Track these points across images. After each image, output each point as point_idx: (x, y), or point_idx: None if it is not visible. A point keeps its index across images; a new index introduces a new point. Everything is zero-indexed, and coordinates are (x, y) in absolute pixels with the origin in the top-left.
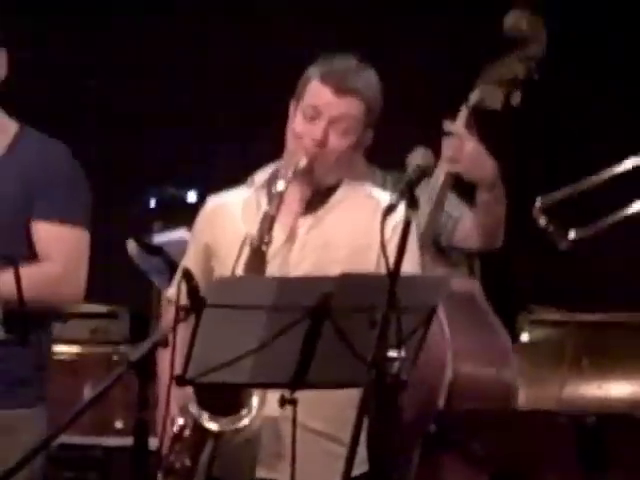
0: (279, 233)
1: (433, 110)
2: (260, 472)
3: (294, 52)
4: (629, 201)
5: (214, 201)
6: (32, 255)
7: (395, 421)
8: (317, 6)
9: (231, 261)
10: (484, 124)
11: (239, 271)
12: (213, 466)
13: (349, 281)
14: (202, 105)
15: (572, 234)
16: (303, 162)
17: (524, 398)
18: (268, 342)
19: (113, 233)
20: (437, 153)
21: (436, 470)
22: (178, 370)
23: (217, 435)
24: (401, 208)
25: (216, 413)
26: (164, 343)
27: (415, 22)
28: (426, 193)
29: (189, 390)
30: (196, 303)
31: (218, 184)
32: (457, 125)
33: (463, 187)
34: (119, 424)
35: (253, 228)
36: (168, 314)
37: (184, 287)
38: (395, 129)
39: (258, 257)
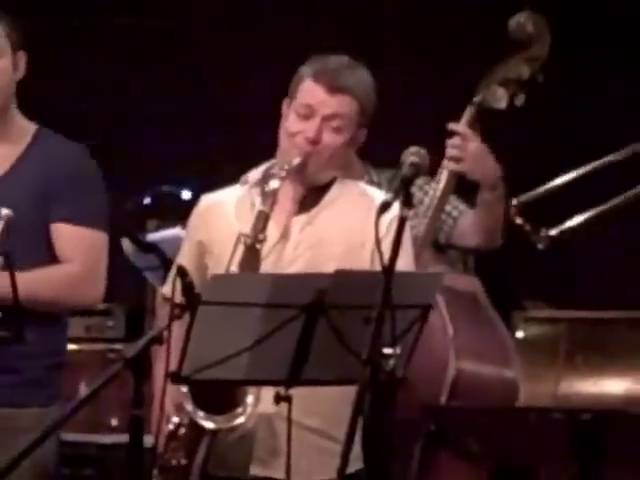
0: (273, 231)
1: (439, 110)
2: (255, 469)
3: (291, 50)
4: (605, 198)
5: (208, 199)
6: (51, 257)
7: (390, 418)
8: (317, 6)
9: (225, 259)
10: (485, 124)
11: (233, 269)
12: (208, 464)
13: (343, 278)
14: (197, 103)
15: (551, 232)
16: (296, 160)
17: (521, 395)
18: (263, 339)
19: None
20: (441, 153)
21: (435, 467)
22: (173, 367)
23: (212, 433)
24: (395, 206)
25: (211, 411)
26: (159, 340)
27: (419, 22)
28: (429, 192)
29: (184, 388)
30: (191, 300)
31: (212, 182)
32: (461, 125)
33: (463, 187)
34: (114, 421)
35: (247, 226)
36: (163, 311)
37: (179, 284)
38: (401, 129)
39: (252, 255)
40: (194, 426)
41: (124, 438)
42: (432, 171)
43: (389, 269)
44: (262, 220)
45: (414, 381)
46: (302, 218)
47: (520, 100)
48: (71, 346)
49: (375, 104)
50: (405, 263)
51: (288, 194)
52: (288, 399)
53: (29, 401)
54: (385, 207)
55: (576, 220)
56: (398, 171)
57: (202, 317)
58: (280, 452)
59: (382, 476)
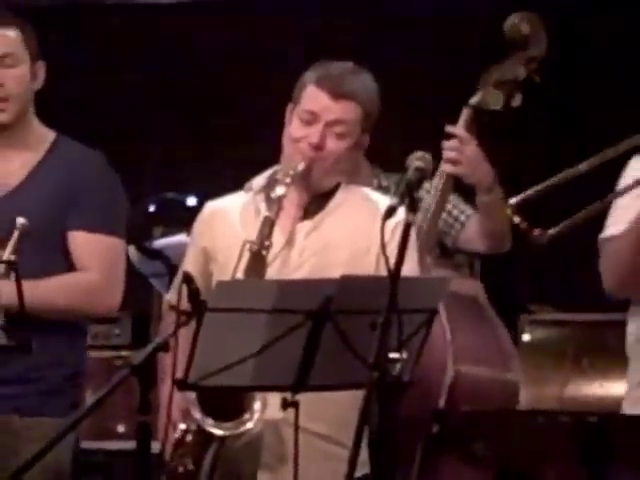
0: (278, 237)
1: (435, 113)
2: (262, 476)
3: (294, 56)
4: (602, 196)
5: (212, 206)
6: (69, 264)
7: (395, 422)
8: (318, 12)
9: (230, 266)
10: (484, 124)
11: (239, 275)
12: (216, 470)
13: (349, 283)
14: (202, 110)
15: (550, 231)
16: (301, 166)
17: (526, 398)
18: (269, 345)
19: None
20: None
21: (439, 471)
22: (180, 374)
23: (220, 439)
24: (400, 210)
25: (219, 418)
26: (165, 347)
27: (416, 23)
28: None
29: (190, 395)
30: (197, 307)
31: (218, 189)
32: (458, 127)
33: (469, 191)
34: (121, 428)
35: (252, 233)
36: (168, 318)
37: (185, 291)
38: (396, 131)
39: (258, 261)
40: (201, 433)
41: (131, 445)
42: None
43: (395, 274)
44: (268, 226)
45: (413, 385)
46: (307, 224)
47: (517, 101)
48: None
49: (379, 109)
50: (410, 268)
51: (293, 200)
52: (295, 405)
53: (47, 410)
54: (390, 212)
55: (574, 221)
56: (403, 176)
57: (208, 324)
58: (287, 458)
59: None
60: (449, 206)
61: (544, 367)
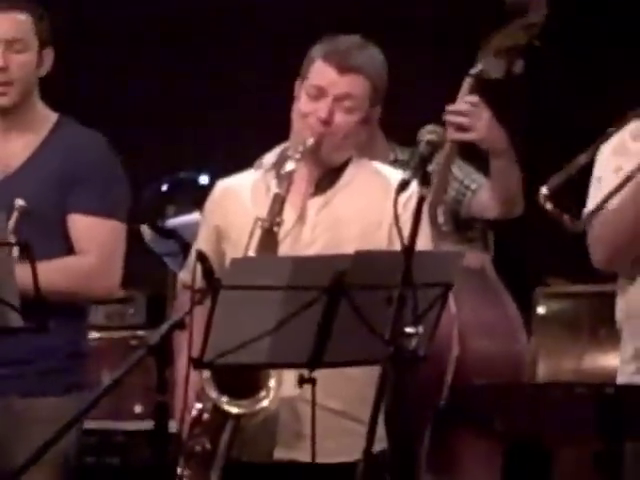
0: (290, 214)
1: (436, 85)
2: (279, 453)
3: (303, 34)
4: None
5: (223, 184)
6: (68, 247)
7: (410, 397)
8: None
9: (243, 243)
10: (485, 93)
11: (251, 253)
12: (232, 449)
13: (364, 258)
14: (213, 88)
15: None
16: (310, 141)
17: (542, 371)
18: (285, 322)
19: (127, 218)
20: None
21: (453, 445)
22: (195, 353)
23: (236, 418)
24: (412, 184)
25: (234, 396)
26: (181, 326)
27: None
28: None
29: (206, 374)
30: (211, 285)
31: (230, 166)
32: (472, 96)
33: (478, 158)
34: (138, 408)
35: (263, 210)
36: (182, 297)
37: (199, 269)
38: (399, 105)
39: (270, 238)
40: (217, 411)
41: (148, 425)
42: None
43: (409, 248)
44: (278, 203)
45: None
46: (318, 200)
47: (518, 67)
48: (92, 334)
49: (387, 82)
50: (424, 242)
51: (303, 176)
52: (312, 381)
53: (46, 391)
54: (403, 186)
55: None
56: (415, 149)
57: (223, 301)
58: (304, 435)
59: (406, 455)
60: (461, 175)
61: (560, 339)
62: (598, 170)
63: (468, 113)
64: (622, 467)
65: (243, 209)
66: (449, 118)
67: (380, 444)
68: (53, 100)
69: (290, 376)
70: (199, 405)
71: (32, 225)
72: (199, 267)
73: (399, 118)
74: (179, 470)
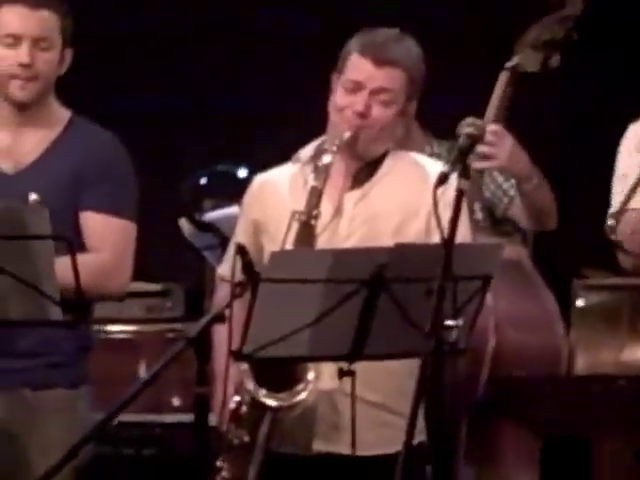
0: (327, 207)
1: (474, 78)
2: (318, 445)
3: (337, 32)
4: None
5: (261, 177)
6: (80, 243)
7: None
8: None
9: (280, 237)
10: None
11: (288, 246)
12: (271, 441)
13: (403, 251)
14: (251, 82)
15: None
16: (347, 134)
17: (582, 363)
18: (325, 315)
19: (165, 212)
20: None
21: (491, 437)
22: (235, 346)
23: (274, 410)
24: (452, 179)
25: (273, 389)
26: (221, 319)
27: None
28: None
29: (244, 367)
30: (251, 278)
31: (268, 160)
32: (492, 123)
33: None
34: (176, 401)
35: (300, 204)
36: (220, 291)
37: (238, 263)
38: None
39: (307, 232)
40: (256, 404)
41: (186, 417)
42: None
43: (449, 241)
44: (315, 196)
45: None
46: (355, 193)
47: (555, 61)
48: (130, 327)
49: (423, 74)
50: (463, 234)
51: (341, 169)
52: (352, 374)
53: (59, 382)
54: (443, 179)
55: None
56: (455, 143)
57: (263, 295)
58: (342, 427)
59: (446, 447)
60: (500, 179)
61: (600, 332)
62: (622, 167)
63: (491, 142)
64: None
65: (281, 202)
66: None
67: (419, 436)
68: (90, 97)
69: (328, 369)
70: (237, 398)
71: None
72: (239, 260)
73: (435, 111)
74: (218, 463)
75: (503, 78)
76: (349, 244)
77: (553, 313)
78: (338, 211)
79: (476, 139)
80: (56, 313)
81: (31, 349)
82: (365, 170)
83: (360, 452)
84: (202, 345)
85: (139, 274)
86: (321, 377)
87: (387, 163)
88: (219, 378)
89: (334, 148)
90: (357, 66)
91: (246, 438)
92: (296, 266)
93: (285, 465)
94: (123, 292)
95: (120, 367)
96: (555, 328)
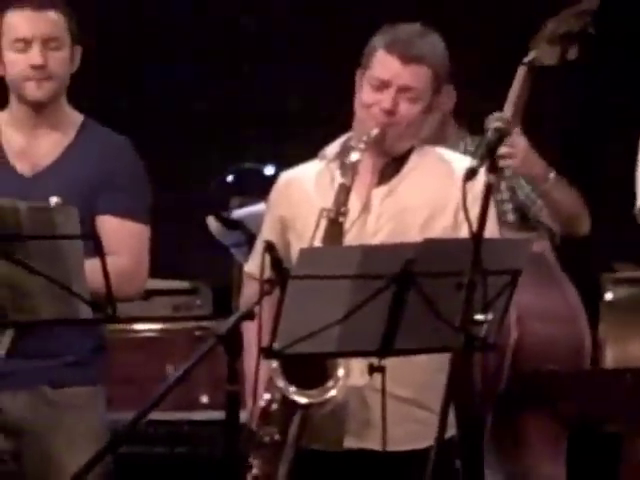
0: (355, 204)
1: (492, 74)
2: (349, 441)
3: (365, 30)
4: None
5: (287, 175)
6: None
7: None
8: None
9: (308, 234)
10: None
11: (317, 243)
12: (302, 438)
13: (432, 246)
14: (277, 81)
15: None
16: (375, 131)
17: (611, 357)
18: (354, 310)
19: (193, 209)
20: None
21: (518, 429)
22: (264, 343)
23: (305, 407)
24: (480, 174)
25: (302, 386)
26: (251, 316)
27: None
28: None
29: (274, 364)
30: (281, 275)
31: (295, 157)
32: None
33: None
34: (204, 399)
35: (327, 201)
36: (248, 288)
37: (266, 260)
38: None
39: (335, 228)
40: (286, 402)
41: (216, 415)
42: None
43: (478, 235)
44: (344, 193)
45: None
46: (382, 189)
47: (572, 54)
48: (159, 325)
49: (448, 69)
50: (491, 229)
51: (368, 166)
52: (382, 370)
53: (78, 381)
54: (471, 174)
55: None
56: (483, 137)
57: (292, 291)
58: (373, 423)
59: (475, 441)
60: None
61: (629, 325)
62: None
63: (506, 142)
64: None
65: (307, 199)
66: None
67: (450, 431)
68: (115, 95)
69: (358, 365)
70: (268, 396)
71: None
72: (267, 257)
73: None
74: (249, 461)
75: (521, 73)
76: (377, 240)
77: (576, 306)
78: (366, 207)
79: (504, 133)
80: (86, 312)
81: (50, 349)
82: (391, 166)
83: (390, 448)
84: (232, 342)
85: (167, 272)
86: (351, 373)
87: (413, 159)
88: (249, 376)
89: (362, 145)
90: (383, 63)
91: (277, 436)
92: (325, 263)
93: (316, 462)
94: (139, 295)
95: (148, 365)
96: (578, 321)
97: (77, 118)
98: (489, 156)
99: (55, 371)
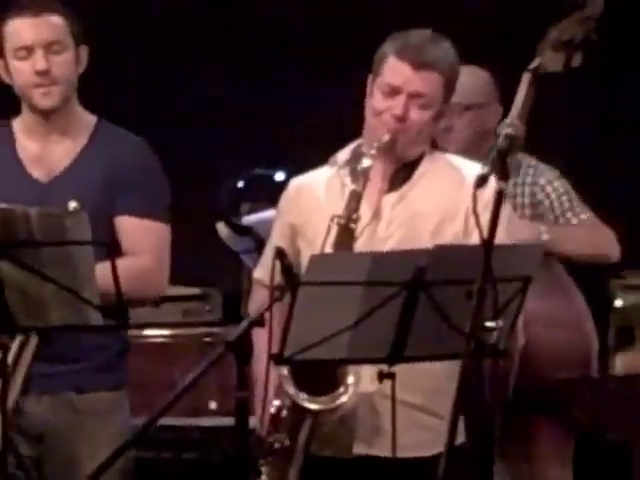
0: (365, 210)
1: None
2: (358, 448)
3: (376, 34)
4: None
5: (297, 181)
6: (116, 249)
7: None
8: None
9: (318, 240)
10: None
11: (328, 249)
12: (312, 445)
13: (443, 253)
14: (288, 86)
15: None
16: (386, 138)
17: (620, 363)
18: (364, 317)
19: (203, 215)
20: None
21: (526, 435)
22: (275, 349)
23: (315, 414)
24: (491, 181)
25: (312, 392)
26: (261, 323)
27: None
28: None
29: (284, 371)
30: (291, 281)
31: (306, 163)
32: None
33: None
34: (212, 405)
35: (337, 207)
36: (257, 295)
37: (277, 266)
38: None
39: (346, 235)
40: (296, 408)
41: (225, 421)
42: None
43: (489, 242)
44: (355, 200)
45: None
46: (393, 196)
47: (576, 61)
48: (168, 331)
49: (459, 76)
50: (501, 235)
51: (378, 172)
52: (392, 376)
53: (102, 386)
54: (482, 181)
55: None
56: (494, 145)
57: (303, 298)
58: (382, 430)
59: (485, 448)
60: (571, 193)
61: (638, 332)
62: None
63: None
64: None
65: (318, 206)
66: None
67: (459, 438)
68: (126, 100)
69: (367, 371)
70: (277, 402)
71: None
72: (278, 264)
73: None
74: (258, 467)
75: (525, 80)
76: (387, 247)
77: (582, 312)
78: (376, 214)
79: (515, 140)
80: (96, 318)
81: (75, 353)
82: (402, 172)
83: (399, 454)
84: (242, 349)
85: (176, 278)
86: (361, 380)
87: (424, 165)
88: (259, 382)
89: (373, 151)
90: (394, 70)
91: (286, 442)
92: (335, 269)
93: (325, 468)
94: (161, 295)
95: (157, 371)
96: (584, 326)
97: (90, 120)
98: (500, 162)
99: (80, 376)
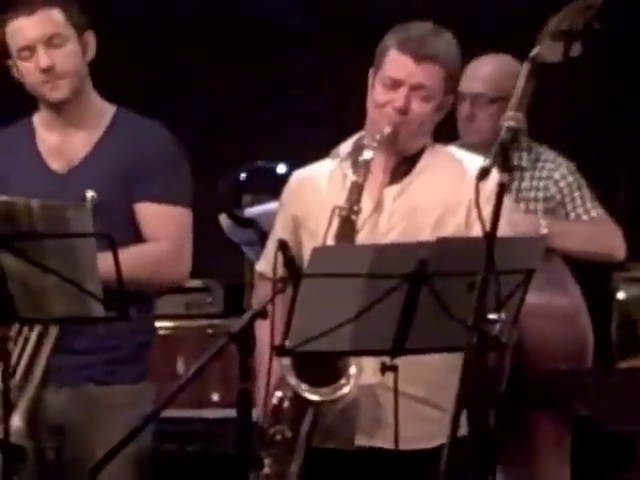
0: (367, 202)
1: None
2: (360, 440)
3: (383, 30)
4: None
5: (300, 173)
6: (136, 237)
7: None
8: None
9: (320, 232)
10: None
11: (329, 241)
12: (313, 436)
13: (445, 245)
14: (292, 78)
15: None
16: (387, 130)
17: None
18: (367, 309)
19: (205, 207)
20: None
21: (522, 429)
22: (277, 341)
23: (316, 405)
24: (493, 173)
25: (314, 384)
26: (263, 314)
27: None
28: None
29: (285, 362)
30: (293, 274)
31: (308, 156)
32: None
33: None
34: (215, 397)
35: (339, 199)
36: (260, 287)
37: (279, 258)
38: None
39: (348, 227)
40: (298, 399)
41: (227, 413)
42: None
43: (491, 234)
44: (356, 191)
45: None
46: (395, 188)
47: (576, 50)
48: (170, 323)
49: (461, 68)
50: (503, 228)
51: (380, 165)
52: (394, 368)
53: (122, 378)
54: (484, 173)
55: None
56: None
57: (305, 290)
58: (384, 422)
59: (488, 441)
60: (584, 189)
61: None
62: None
63: None
64: None
65: (320, 198)
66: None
67: (461, 430)
68: (130, 96)
69: (370, 363)
70: (279, 393)
71: (101, 216)
72: (280, 256)
73: None
74: (261, 458)
75: (525, 69)
76: (389, 239)
77: (578, 305)
78: (378, 206)
79: (518, 132)
80: (98, 310)
81: (94, 345)
82: (403, 165)
83: (401, 446)
84: (245, 341)
85: None
86: (363, 372)
87: (425, 158)
88: (261, 374)
89: (375, 144)
90: (396, 62)
91: (288, 433)
92: (337, 261)
93: (327, 460)
94: (185, 281)
95: (159, 363)
96: (580, 319)
97: (108, 109)
98: (502, 155)
99: (101, 368)
